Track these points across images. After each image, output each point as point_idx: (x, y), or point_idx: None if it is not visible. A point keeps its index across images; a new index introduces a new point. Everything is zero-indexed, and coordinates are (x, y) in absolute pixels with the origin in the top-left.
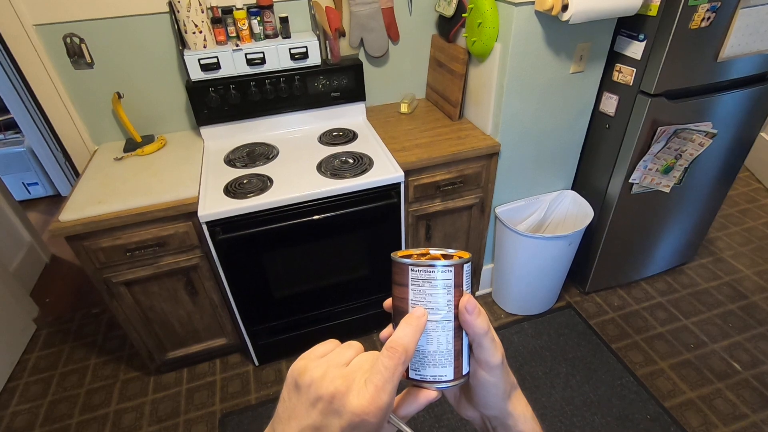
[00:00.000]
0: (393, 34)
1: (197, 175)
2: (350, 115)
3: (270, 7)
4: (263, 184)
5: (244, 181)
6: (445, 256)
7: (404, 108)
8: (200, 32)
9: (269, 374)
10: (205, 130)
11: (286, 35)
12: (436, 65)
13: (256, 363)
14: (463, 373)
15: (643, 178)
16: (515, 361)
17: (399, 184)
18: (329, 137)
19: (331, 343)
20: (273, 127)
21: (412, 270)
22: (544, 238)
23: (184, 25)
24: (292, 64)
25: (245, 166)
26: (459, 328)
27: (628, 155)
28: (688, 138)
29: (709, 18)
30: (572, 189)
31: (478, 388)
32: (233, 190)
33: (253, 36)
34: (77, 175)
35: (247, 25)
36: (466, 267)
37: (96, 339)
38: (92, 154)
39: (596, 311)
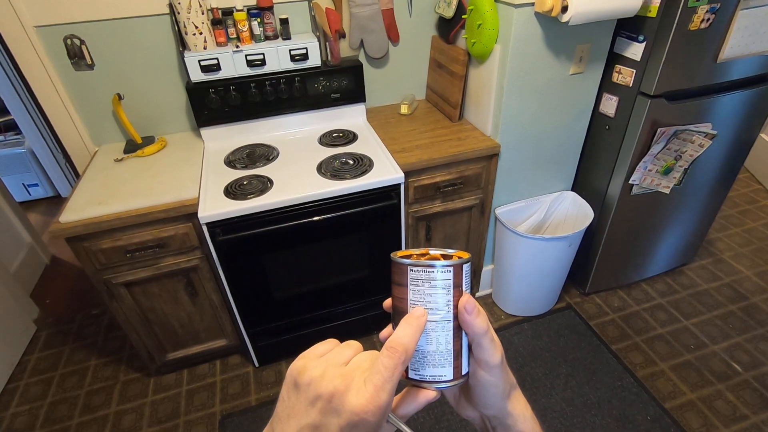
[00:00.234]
0: (393, 36)
1: (197, 176)
2: (350, 117)
3: (270, 8)
4: (263, 185)
5: (245, 183)
6: (445, 257)
7: (404, 109)
8: (200, 34)
9: (269, 375)
10: (206, 132)
11: (287, 37)
12: (436, 66)
13: (256, 364)
14: (463, 373)
15: (643, 179)
16: (515, 362)
17: (399, 185)
18: (329, 138)
19: (330, 343)
20: (273, 128)
21: (411, 270)
22: (544, 239)
23: (185, 26)
24: (292, 66)
25: (245, 168)
26: (458, 328)
27: (628, 156)
28: (687, 139)
29: (708, 19)
30: (572, 190)
31: (477, 387)
32: (233, 191)
33: (253, 37)
34: (77, 176)
35: (247, 26)
36: (466, 267)
37: (96, 340)
38: (92, 156)
39: (596, 312)
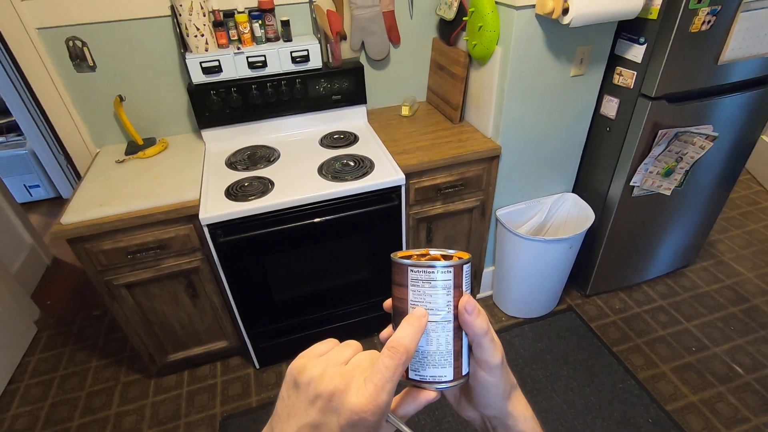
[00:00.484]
0: (394, 38)
1: (198, 177)
2: (351, 118)
3: (271, 10)
4: (264, 186)
5: (246, 184)
6: (445, 257)
7: (405, 111)
8: (202, 35)
9: (270, 377)
10: (207, 133)
11: (288, 38)
12: (437, 68)
13: (257, 366)
14: (463, 374)
15: (644, 181)
16: (516, 363)
17: (400, 186)
18: (330, 140)
19: (330, 342)
20: (274, 129)
21: (411, 271)
22: (545, 241)
23: (186, 28)
24: (293, 67)
25: (246, 169)
26: (459, 329)
27: (629, 158)
28: (689, 141)
29: (709, 21)
30: (573, 192)
31: (478, 388)
32: (234, 192)
33: (254, 39)
34: (79, 177)
35: (248, 28)
36: (466, 268)
37: (97, 341)
38: (94, 157)
39: (597, 314)
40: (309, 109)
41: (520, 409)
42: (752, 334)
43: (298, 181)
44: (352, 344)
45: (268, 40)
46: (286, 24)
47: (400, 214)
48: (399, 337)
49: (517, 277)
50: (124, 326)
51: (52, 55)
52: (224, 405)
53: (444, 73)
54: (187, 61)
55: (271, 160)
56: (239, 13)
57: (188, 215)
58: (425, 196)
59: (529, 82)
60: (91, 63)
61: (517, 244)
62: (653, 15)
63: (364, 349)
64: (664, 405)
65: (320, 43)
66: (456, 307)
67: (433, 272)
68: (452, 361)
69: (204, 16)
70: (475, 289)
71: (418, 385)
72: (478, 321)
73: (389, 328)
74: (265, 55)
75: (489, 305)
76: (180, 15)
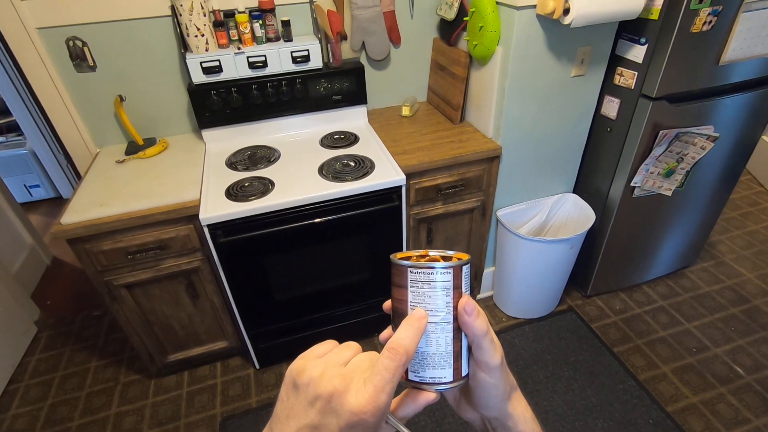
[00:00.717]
0: (394, 38)
1: (199, 178)
2: (352, 118)
3: (272, 10)
4: (265, 187)
5: (246, 184)
6: (445, 258)
7: (405, 111)
8: (202, 35)
9: (270, 377)
10: (207, 133)
11: (288, 38)
12: (438, 68)
13: (257, 366)
14: (463, 375)
15: (644, 182)
16: (516, 364)
17: (400, 187)
18: (331, 140)
19: (329, 344)
20: (274, 130)
21: (411, 272)
22: (546, 242)
23: (186, 28)
24: (293, 68)
25: (247, 169)
26: (458, 330)
27: (630, 158)
28: (689, 141)
29: (710, 22)
30: (574, 192)
31: (477, 389)
32: (235, 193)
33: (255, 39)
34: (79, 177)
35: (249, 28)
36: (465, 269)
37: (97, 342)
38: (94, 157)
39: (598, 315)
40: (309, 109)
41: (520, 410)
42: (753, 334)
43: (299, 182)
44: (352, 345)
45: (269, 40)
46: (286, 24)
47: (400, 214)
48: (399, 339)
49: (518, 278)
50: (124, 326)
51: (53, 54)
52: (224, 405)
53: (444, 74)
54: (187, 61)
55: (272, 160)
56: (240, 13)
57: (188, 215)
58: (426, 197)
59: (530, 83)
60: (91, 63)
61: (517, 245)
62: (654, 15)
63: (364, 350)
64: (664, 406)
65: (321, 43)
66: (455, 308)
67: (432, 273)
68: (452, 362)
69: (204, 16)
70: (475, 290)
71: (418, 386)
72: (478, 322)
73: (389, 329)
74: (265, 55)
75: (489, 306)
76: (180, 15)
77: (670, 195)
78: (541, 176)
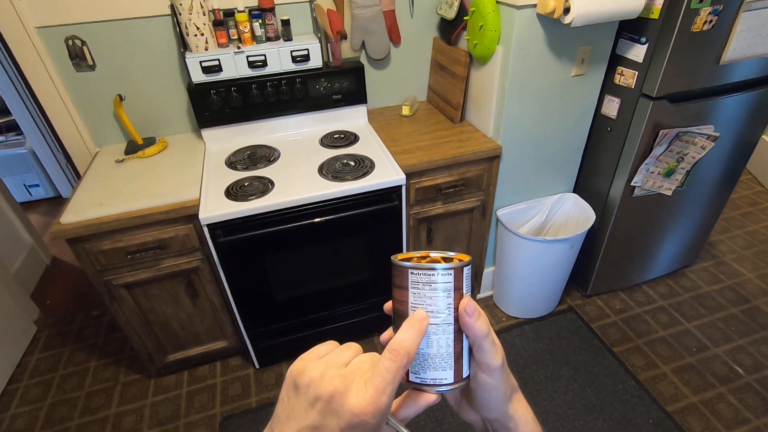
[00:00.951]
0: (394, 37)
1: (198, 177)
2: (351, 118)
3: (272, 9)
4: (264, 186)
5: (246, 184)
6: (446, 259)
7: (405, 111)
8: (202, 35)
9: (270, 377)
10: (207, 133)
11: (288, 38)
12: (438, 68)
13: (257, 366)
14: (464, 377)
15: (645, 181)
16: (516, 364)
17: (400, 186)
18: (330, 140)
19: (330, 344)
20: (274, 129)
21: (412, 273)
22: (546, 241)
23: (186, 27)
24: (293, 67)
25: (246, 169)
26: (459, 331)
27: (630, 158)
28: (690, 141)
29: (711, 21)
30: (574, 192)
31: (478, 390)
32: (234, 192)
33: (254, 38)
34: (78, 177)
35: (248, 27)
36: (466, 270)
37: (96, 341)
38: (93, 157)
39: (598, 314)
40: (309, 108)
41: (521, 412)
42: (753, 334)
43: (299, 181)
44: (353, 346)
45: (269, 39)
46: (286, 23)
47: (400, 214)
48: (400, 340)
49: (518, 278)
50: (124, 326)
51: (52, 54)
52: (224, 405)
53: (445, 73)
54: (187, 60)
55: (271, 159)
56: (239, 12)
57: (188, 215)
58: (426, 196)
59: (530, 82)
60: (90, 62)
61: (517, 245)
62: (655, 15)
63: (365, 350)
64: (664, 406)
65: (321, 42)
66: (456, 309)
67: (433, 275)
68: (453, 363)
69: (204, 15)
70: (475, 290)
71: (419, 387)
72: (479, 323)
73: (389, 330)
74: (265, 55)
75: (489, 305)
76: (180, 14)
77: (670, 195)
78: (541, 176)
